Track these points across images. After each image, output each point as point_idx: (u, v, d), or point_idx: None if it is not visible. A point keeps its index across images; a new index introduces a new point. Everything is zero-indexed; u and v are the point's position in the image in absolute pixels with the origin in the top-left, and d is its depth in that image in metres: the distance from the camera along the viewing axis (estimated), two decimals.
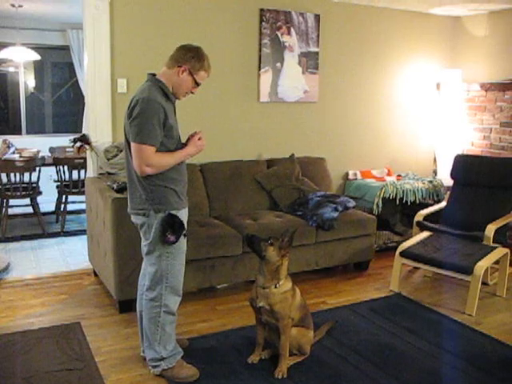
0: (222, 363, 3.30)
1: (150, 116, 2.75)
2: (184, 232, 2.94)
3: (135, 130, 2.76)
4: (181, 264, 3.05)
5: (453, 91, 6.11)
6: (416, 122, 6.33)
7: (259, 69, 5.24)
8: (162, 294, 2.99)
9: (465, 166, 5.35)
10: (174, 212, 2.91)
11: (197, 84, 2.97)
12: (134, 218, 3.03)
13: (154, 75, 2.93)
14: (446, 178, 5.72)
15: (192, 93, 3.01)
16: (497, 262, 4.49)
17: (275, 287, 3.12)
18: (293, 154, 5.33)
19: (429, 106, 6.34)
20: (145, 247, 3.01)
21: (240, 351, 3.44)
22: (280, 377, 3.08)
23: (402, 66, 6.10)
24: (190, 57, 2.88)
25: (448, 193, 5.49)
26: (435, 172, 6.34)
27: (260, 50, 5.22)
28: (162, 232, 2.86)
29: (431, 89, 6.33)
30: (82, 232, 6.17)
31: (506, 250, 4.46)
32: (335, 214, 4.72)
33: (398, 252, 4.55)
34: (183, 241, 2.99)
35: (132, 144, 2.79)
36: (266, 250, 3.07)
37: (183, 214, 3.00)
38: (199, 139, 3.01)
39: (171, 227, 2.85)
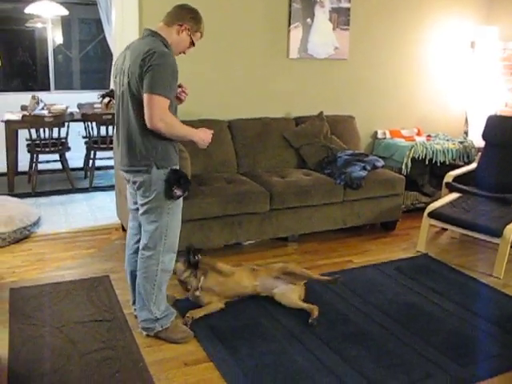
0: (247, 317, 3.33)
1: (168, 69, 2.73)
2: (189, 186, 2.95)
3: (152, 81, 2.67)
4: (178, 220, 3.02)
5: (488, 50, 5.92)
6: (448, 82, 6.17)
7: (289, 24, 5.13)
8: (159, 252, 2.95)
9: (498, 127, 5.21)
10: (174, 167, 2.90)
11: (193, 44, 3.01)
12: (131, 177, 2.94)
13: (152, 31, 2.89)
14: (477, 139, 5.59)
15: (184, 53, 3.03)
16: None
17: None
18: (321, 112, 5.26)
19: (462, 64, 6.16)
20: (143, 206, 2.93)
21: (266, 308, 3.47)
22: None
23: (435, 24, 5.91)
24: (191, 17, 2.93)
25: (479, 154, 5.38)
26: (466, 133, 6.20)
27: (290, 6, 5.09)
28: (168, 187, 2.84)
29: (465, 47, 6.13)
30: (110, 187, 6.25)
31: None
32: (364, 173, 4.67)
33: (426, 212, 4.51)
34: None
35: (147, 95, 2.68)
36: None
37: None
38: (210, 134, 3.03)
39: (177, 181, 2.85)
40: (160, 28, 2.90)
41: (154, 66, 2.67)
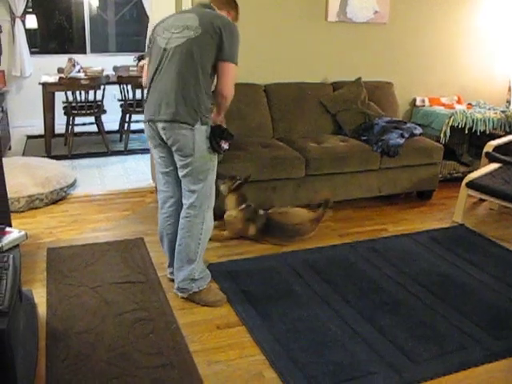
0: (280, 283, 3.34)
1: (238, 41, 2.90)
2: (233, 139, 2.99)
3: (232, 51, 2.85)
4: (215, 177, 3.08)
5: None
6: (492, 48, 5.95)
7: None
8: (205, 210, 3.00)
9: None
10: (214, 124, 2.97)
11: None
12: (170, 133, 2.86)
13: (213, 7, 3.03)
14: None
15: None
16: None
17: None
18: (359, 78, 5.15)
19: (508, 30, 5.93)
20: (186, 167, 2.92)
21: (298, 273, 3.46)
22: None
23: None
24: (234, 6, 3.14)
25: None
26: (509, 102, 6.02)
27: None
28: (214, 141, 2.89)
29: (511, 11, 5.90)
30: (144, 151, 6.28)
31: None
32: (401, 141, 4.58)
33: (464, 182, 4.41)
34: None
35: (227, 64, 2.86)
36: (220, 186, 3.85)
37: None
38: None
39: (222, 135, 2.91)
40: (213, 6, 3.06)
41: (233, 35, 2.86)
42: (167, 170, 3.10)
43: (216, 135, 2.90)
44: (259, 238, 3.95)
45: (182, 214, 3.05)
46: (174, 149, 2.91)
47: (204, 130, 2.86)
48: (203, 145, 2.88)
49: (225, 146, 2.93)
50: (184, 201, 3.04)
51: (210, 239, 3.19)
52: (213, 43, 2.82)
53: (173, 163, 3.02)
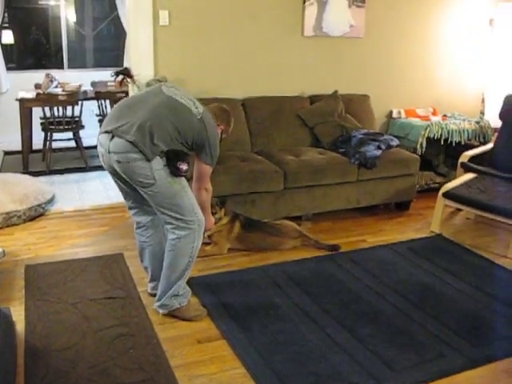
0: (260, 296, 3.35)
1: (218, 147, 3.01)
2: (189, 158, 2.90)
3: (214, 154, 2.96)
4: (192, 195, 2.99)
5: (508, 27, 5.81)
6: (465, 61, 6.06)
7: (304, 2, 5.05)
8: (195, 230, 2.91)
9: None
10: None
11: (220, 140, 3.15)
12: (128, 166, 2.73)
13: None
14: (493, 120, 5.51)
15: None
16: None
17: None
18: (336, 91, 5.21)
19: (480, 43, 6.05)
20: (152, 199, 2.84)
21: (279, 285, 3.48)
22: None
23: (453, 1, 5.80)
24: (227, 121, 3.25)
25: (495, 134, 5.31)
26: (482, 113, 6.12)
27: None
28: (172, 165, 2.77)
29: (483, 25, 6.02)
30: None
31: None
32: (378, 153, 4.64)
33: (441, 192, 4.47)
34: None
35: (207, 167, 2.99)
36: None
37: None
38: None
39: (177, 157, 2.79)
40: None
41: (216, 140, 2.96)
42: (128, 189, 3.02)
43: (171, 159, 2.77)
44: (242, 238, 3.98)
45: (170, 236, 2.94)
46: (132, 183, 2.83)
47: (161, 160, 2.76)
48: (162, 172, 2.76)
49: (183, 167, 2.80)
50: (168, 226, 2.93)
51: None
52: (197, 136, 2.84)
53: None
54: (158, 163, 2.75)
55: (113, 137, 2.75)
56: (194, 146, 2.89)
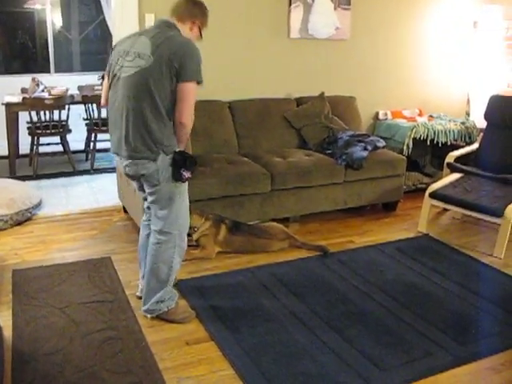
0: (248, 297, 3.36)
1: (200, 61, 2.78)
2: (195, 167, 2.92)
3: (193, 70, 2.73)
4: (188, 200, 3.04)
5: (491, 29, 5.87)
6: (450, 62, 6.11)
7: (290, 4, 5.08)
8: (176, 235, 2.96)
9: (500, 107, 5.17)
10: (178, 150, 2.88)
11: (201, 37, 3.04)
12: (136, 169, 2.85)
13: (172, 24, 2.90)
14: (479, 120, 5.56)
15: None
16: None
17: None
18: (323, 93, 5.23)
19: (464, 44, 6.11)
20: (153, 194, 2.92)
21: (266, 286, 3.49)
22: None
23: (438, 3, 5.85)
24: (203, 13, 3.02)
25: (481, 135, 5.36)
26: (468, 113, 6.17)
27: None
28: (176, 170, 2.82)
29: (468, 27, 6.07)
30: (111, 170, 6.25)
31: None
32: (364, 154, 4.66)
33: (427, 193, 4.51)
34: None
35: (187, 84, 2.72)
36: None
37: None
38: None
39: (184, 163, 2.82)
40: (176, 23, 2.92)
41: (194, 58, 2.74)
42: (146, 205, 3.11)
43: (177, 165, 2.82)
44: (230, 242, 3.99)
45: (152, 240, 3.00)
46: (141, 179, 2.93)
47: (168, 158, 2.82)
48: (168, 174, 2.84)
49: (186, 174, 2.85)
50: (153, 227, 3.01)
51: (184, 260, 3.20)
52: (167, 72, 2.69)
53: None
54: (164, 162, 2.82)
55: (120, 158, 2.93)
56: (179, 79, 2.73)
